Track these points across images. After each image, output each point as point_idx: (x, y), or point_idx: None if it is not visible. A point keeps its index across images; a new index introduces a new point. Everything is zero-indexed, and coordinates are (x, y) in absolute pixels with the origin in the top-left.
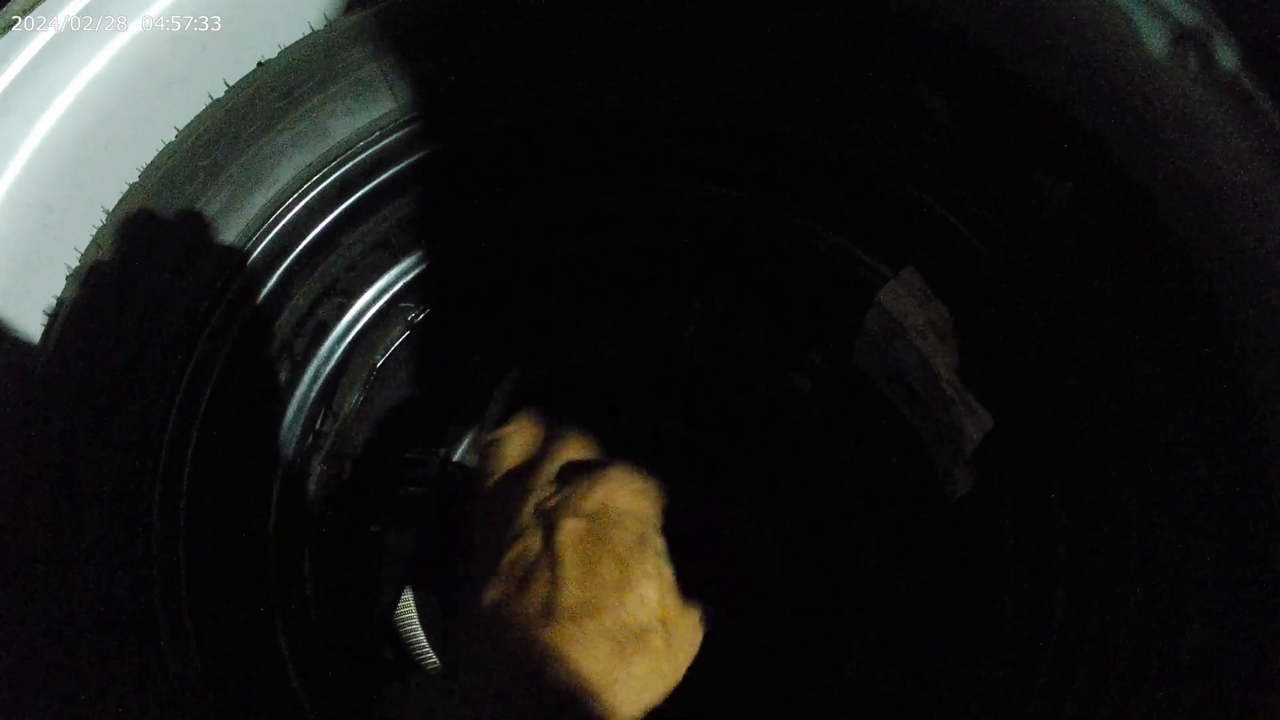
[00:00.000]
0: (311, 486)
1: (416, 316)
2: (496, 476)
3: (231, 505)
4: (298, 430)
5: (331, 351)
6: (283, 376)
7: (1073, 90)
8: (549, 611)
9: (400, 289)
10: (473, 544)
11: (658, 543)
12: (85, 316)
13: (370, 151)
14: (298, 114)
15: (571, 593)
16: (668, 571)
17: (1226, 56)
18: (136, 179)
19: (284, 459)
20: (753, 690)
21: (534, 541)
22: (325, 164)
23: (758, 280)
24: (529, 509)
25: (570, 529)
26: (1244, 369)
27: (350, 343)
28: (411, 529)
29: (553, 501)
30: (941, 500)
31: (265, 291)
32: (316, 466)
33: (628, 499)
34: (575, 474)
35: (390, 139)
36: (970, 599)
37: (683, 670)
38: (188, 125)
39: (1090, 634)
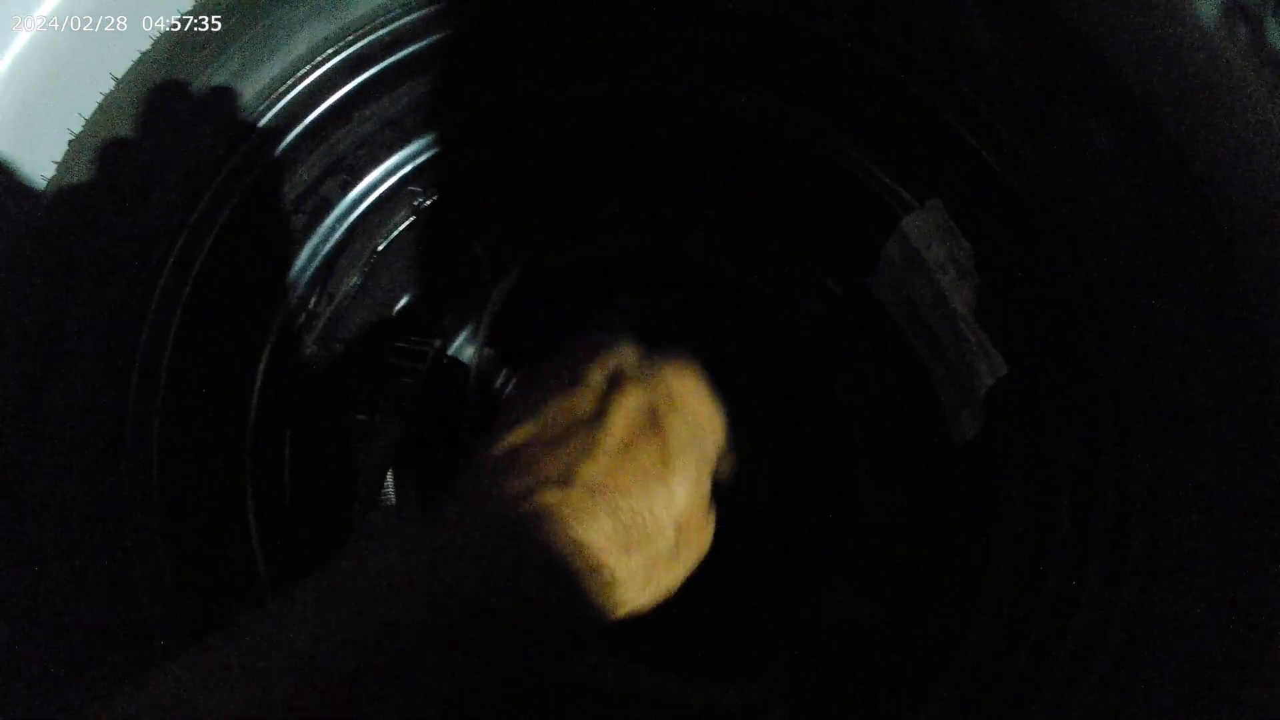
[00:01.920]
0: (299, 368)
1: (423, 202)
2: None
3: (214, 380)
4: (290, 308)
5: (332, 230)
6: (279, 252)
7: (1122, 46)
8: (569, 472)
9: (409, 172)
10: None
11: (710, 454)
12: (84, 181)
13: (389, 28)
14: None
15: (601, 462)
16: (707, 485)
17: (1277, 33)
18: (149, 46)
19: (273, 336)
20: (728, 618)
21: (589, 396)
22: (341, 38)
23: (779, 195)
24: (599, 367)
25: (633, 395)
26: (1267, 332)
27: (352, 223)
28: (398, 419)
29: (626, 368)
30: (945, 440)
31: (269, 163)
32: (306, 347)
33: (698, 403)
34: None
35: (411, 17)
36: (966, 540)
37: (678, 582)
38: None
39: (1089, 587)
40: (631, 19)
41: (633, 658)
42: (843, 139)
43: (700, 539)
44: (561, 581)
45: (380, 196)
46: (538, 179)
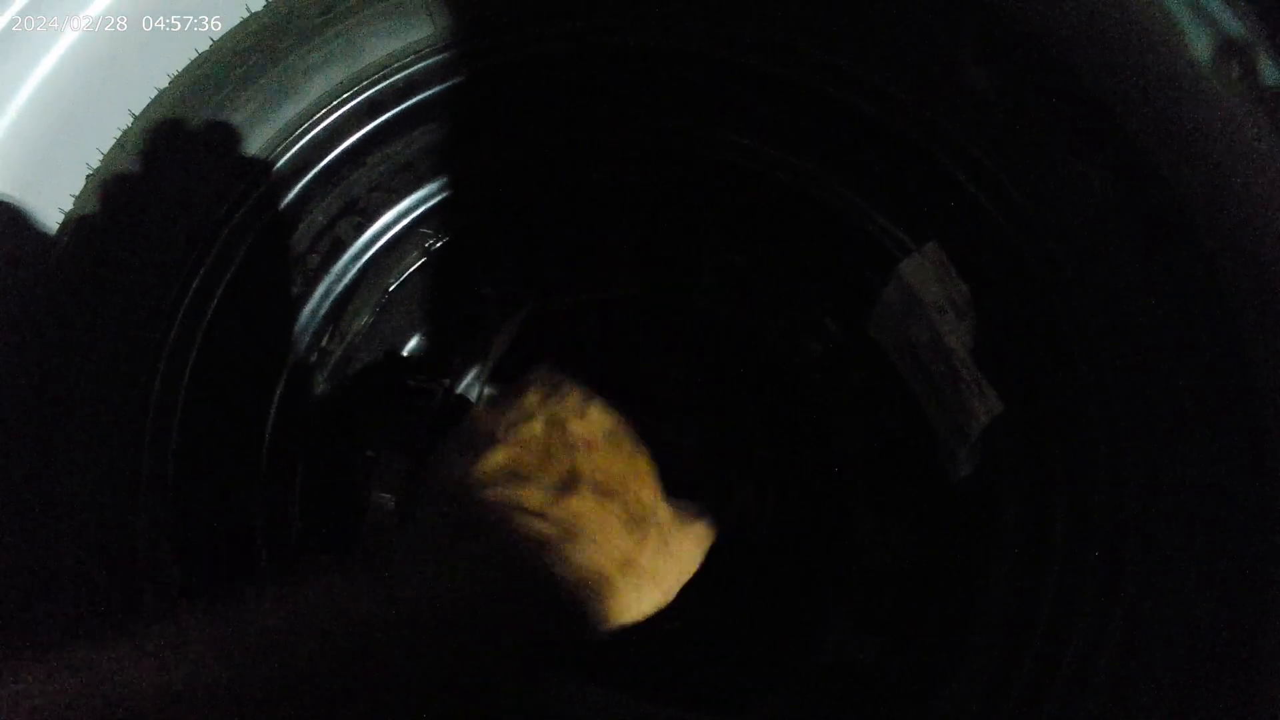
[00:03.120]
0: (311, 404)
1: (434, 244)
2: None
3: (228, 415)
4: (303, 345)
5: (345, 270)
6: (293, 290)
7: (1116, 86)
8: (572, 480)
9: (420, 214)
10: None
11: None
12: (101, 215)
13: (403, 74)
14: (334, 31)
15: (597, 465)
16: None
17: (1269, 70)
18: (166, 84)
19: (286, 372)
20: (728, 654)
21: (541, 425)
22: (356, 83)
23: (779, 238)
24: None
25: (593, 417)
26: (1255, 371)
27: (364, 264)
28: (406, 457)
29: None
30: (941, 478)
31: (284, 204)
32: (318, 384)
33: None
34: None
35: (424, 63)
36: (961, 576)
37: (676, 583)
38: (223, 36)
39: (1081, 619)
40: (639, 71)
41: (635, 693)
42: (843, 185)
43: (682, 539)
44: (586, 582)
45: (392, 238)
46: (546, 223)
